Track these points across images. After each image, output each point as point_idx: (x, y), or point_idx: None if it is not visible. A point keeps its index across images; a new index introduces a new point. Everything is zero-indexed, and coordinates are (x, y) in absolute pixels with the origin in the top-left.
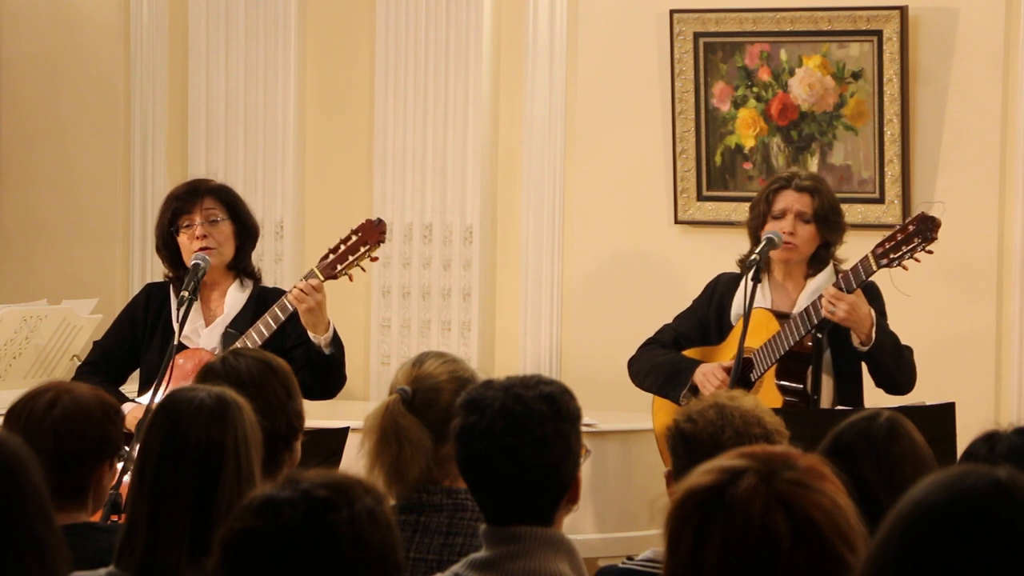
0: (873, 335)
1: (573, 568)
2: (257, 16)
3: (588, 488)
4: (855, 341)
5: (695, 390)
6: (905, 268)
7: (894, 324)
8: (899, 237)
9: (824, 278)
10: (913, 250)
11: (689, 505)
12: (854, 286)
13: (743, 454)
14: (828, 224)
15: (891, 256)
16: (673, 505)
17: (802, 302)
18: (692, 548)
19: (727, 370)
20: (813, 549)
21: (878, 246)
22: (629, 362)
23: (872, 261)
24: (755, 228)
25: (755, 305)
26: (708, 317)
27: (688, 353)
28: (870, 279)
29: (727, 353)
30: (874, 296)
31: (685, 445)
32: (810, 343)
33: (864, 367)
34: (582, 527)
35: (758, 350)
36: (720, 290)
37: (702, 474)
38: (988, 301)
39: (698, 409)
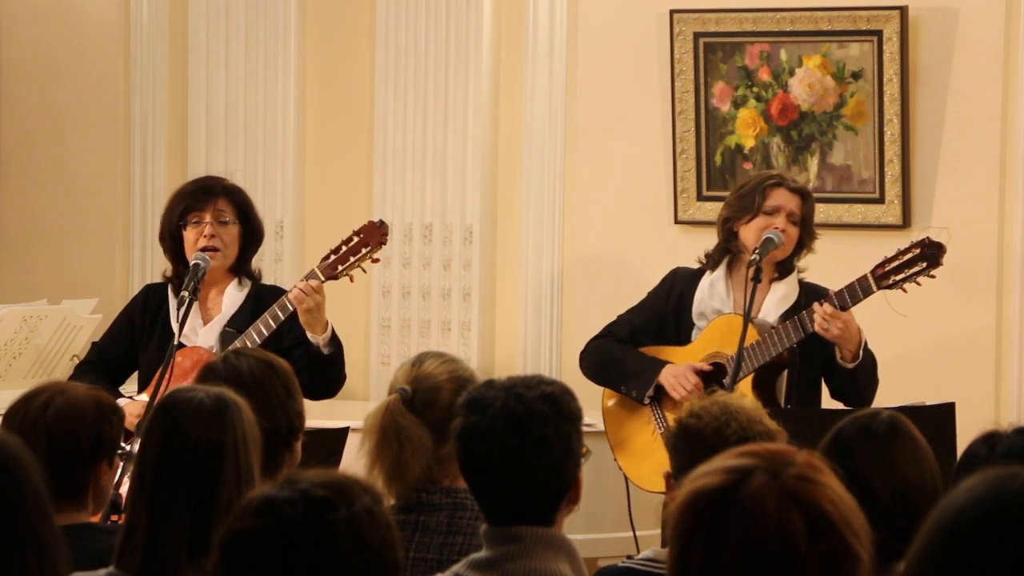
0: (860, 354)
1: (573, 568)
2: (257, 16)
3: (588, 488)
4: (838, 356)
5: (660, 391)
6: (904, 291)
7: (893, 325)
8: (902, 259)
9: (789, 284)
10: (916, 274)
11: (699, 507)
12: (849, 304)
13: (743, 453)
14: (807, 230)
15: (893, 278)
16: (680, 507)
17: (768, 307)
18: (707, 551)
19: (698, 372)
20: (828, 543)
21: (878, 267)
22: (581, 355)
23: (872, 282)
24: (734, 220)
25: (717, 307)
26: (666, 313)
27: (646, 351)
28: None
29: (695, 356)
30: None
31: (688, 441)
32: (786, 354)
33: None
34: (582, 527)
35: (731, 357)
36: (679, 286)
37: (707, 475)
38: (988, 301)
39: (701, 405)
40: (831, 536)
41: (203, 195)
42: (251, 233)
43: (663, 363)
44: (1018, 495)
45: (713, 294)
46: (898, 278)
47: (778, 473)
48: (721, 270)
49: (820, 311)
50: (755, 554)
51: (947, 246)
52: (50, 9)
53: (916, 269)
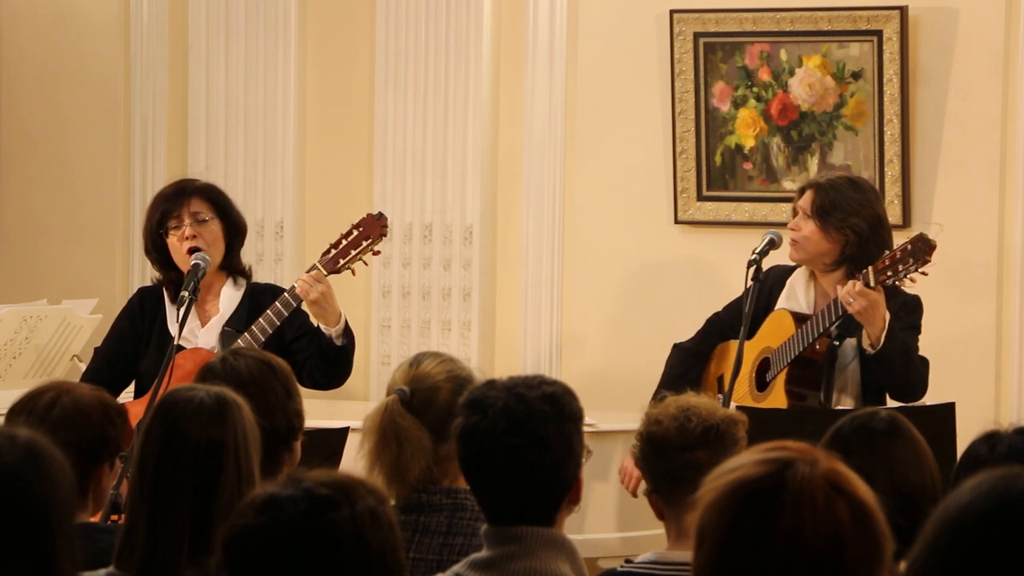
0: (882, 339)
1: (574, 568)
2: (257, 16)
3: (588, 488)
4: (865, 342)
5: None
6: (900, 286)
7: None
8: (897, 255)
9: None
10: (908, 270)
11: (743, 497)
12: (872, 285)
13: (770, 448)
14: (827, 219)
15: (888, 274)
16: (718, 500)
17: None
18: (754, 541)
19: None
20: (868, 531)
21: (879, 261)
22: (670, 354)
23: (872, 276)
24: None
25: (789, 307)
26: (757, 308)
27: (721, 347)
28: (912, 294)
29: (752, 349)
30: (914, 308)
31: (654, 448)
32: (823, 349)
33: None
34: (583, 527)
35: (776, 351)
36: (770, 282)
37: (742, 468)
38: (988, 301)
39: (657, 411)
40: (870, 524)
41: (176, 198)
42: (233, 228)
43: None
44: (1022, 494)
45: (791, 295)
46: (891, 274)
47: (815, 464)
48: (803, 274)
49: (851, 286)
50: (807, 540)
51: (938, 242)
52: (50, 9)
53: (908, 265)
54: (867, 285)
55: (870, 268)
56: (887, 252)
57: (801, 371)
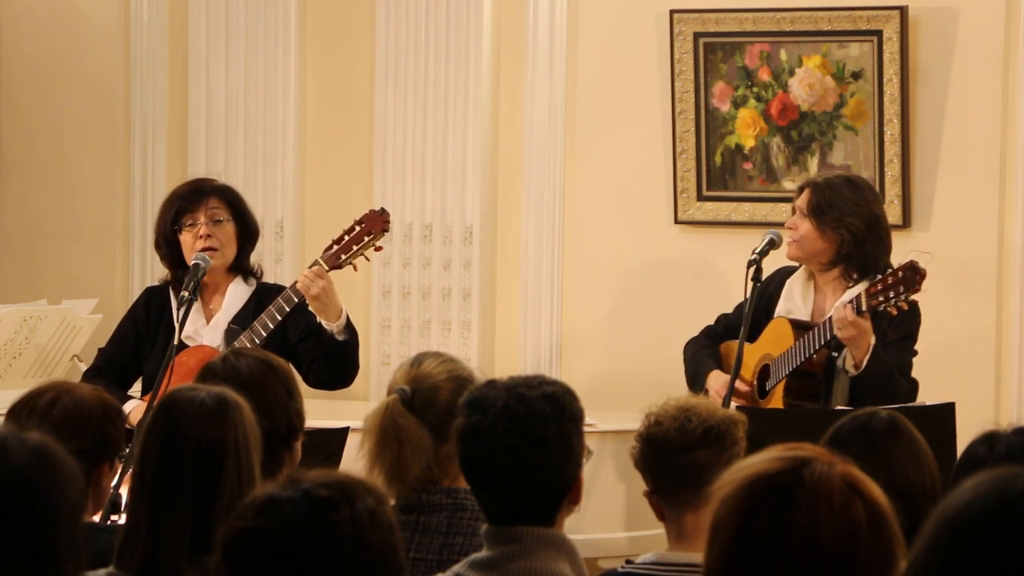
0: (864, 362)
1: (574, 568)
2: (257, 16)
3: (588, 488)
4: (848, 363)
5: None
6: (892, 312)
7: None
8: (889, 281)
9: (861, 289)
10: (897, 298)
11: (760, 490)
12: (864, 311)
13: (788, 448)
14: (823, 218)
15: (879, 299)
16: (735, 493)
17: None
18: (769, 534)
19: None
20: (882, 535)
21: (872, 286)
22: (683, 348)
23: (864, 300)
24: None
25: (787, 309)
26: (759, 310)
27: (724, 346)
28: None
29: (753, 355)
30: (908, 317)
31: (655, 449)
32: (822, 360)
33: None
34: (583, 527)
35: (776, 360)
36: (772, 285)
37: (761, 463)
38: (988, 301)
39: (658, 413)
40: (885, 527)
41: (194, 196)
42: (247, 230)
43: (710, 369)
44: (1022, 494)
45: (789, 296)
46: (881, 300)
47: (833, 464)
48: (801, 275)
49: (841, 310)
50: (822, 537)
51: (934, 253)
52: (50, 9)
53: (899, 292)
54: (858, 310)
55: (863, 292)
56: (880, 276)
57: (799, 383)
